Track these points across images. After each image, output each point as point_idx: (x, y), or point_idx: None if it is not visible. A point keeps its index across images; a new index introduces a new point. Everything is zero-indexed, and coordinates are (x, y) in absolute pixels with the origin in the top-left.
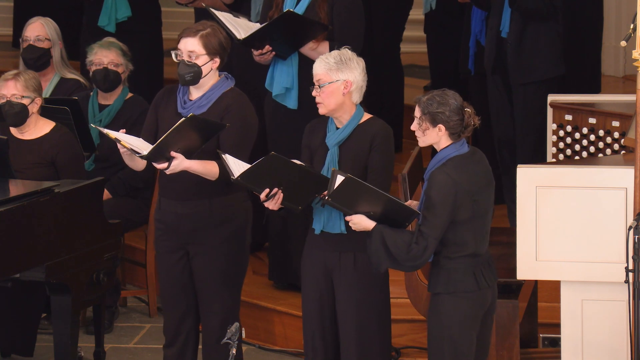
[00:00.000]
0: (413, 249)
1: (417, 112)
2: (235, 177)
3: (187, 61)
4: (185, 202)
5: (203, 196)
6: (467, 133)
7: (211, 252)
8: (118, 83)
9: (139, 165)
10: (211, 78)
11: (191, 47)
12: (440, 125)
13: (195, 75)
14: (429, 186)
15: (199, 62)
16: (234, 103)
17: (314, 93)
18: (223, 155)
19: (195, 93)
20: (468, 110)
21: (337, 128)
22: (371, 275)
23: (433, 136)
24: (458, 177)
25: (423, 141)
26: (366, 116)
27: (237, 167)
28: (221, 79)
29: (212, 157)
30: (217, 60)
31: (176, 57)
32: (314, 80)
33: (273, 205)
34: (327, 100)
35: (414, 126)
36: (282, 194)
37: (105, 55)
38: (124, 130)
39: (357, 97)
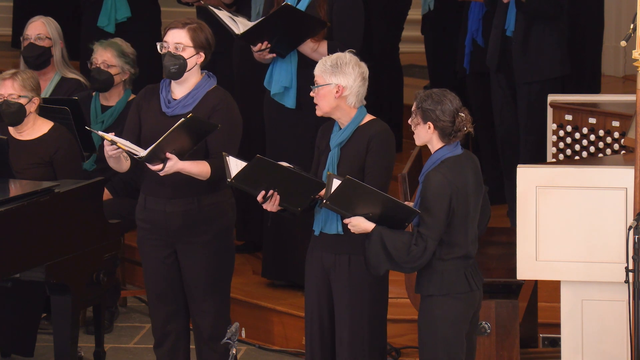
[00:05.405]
0: (412, 250)
1: (414, 106)
2: (229, 180)
3: (173, 53)
4: (174, 200)
5: (191, 194)
6: (459, 137)
7: (200, 250)
8: (110, 83)
9: (123, 167)
10: (194, 75)
11: (178, 39)
12: (430, 123)
13: (181, 67)
14: (424, 187)
15: (185, 54)
16: (221, 102)
17: (311, 93)
18: (227, 158)
19: (179, 91)
20: (462, 115)
21: (340, 129)
22: (365, 277)
23: (423, 133)
24: (453, 178)
25: (416, 138)
26: (368, 117)
27: (238, 169)
28: (204, 77)
29: (201, 157)
30: (202, 55)
31: (161, 49)
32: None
33: (271, 206)
34: (321, 102)
35: (410, 120)
36: (278, 196)
37: (100, 55)
38: (113, 133)
39: (353, 101)
